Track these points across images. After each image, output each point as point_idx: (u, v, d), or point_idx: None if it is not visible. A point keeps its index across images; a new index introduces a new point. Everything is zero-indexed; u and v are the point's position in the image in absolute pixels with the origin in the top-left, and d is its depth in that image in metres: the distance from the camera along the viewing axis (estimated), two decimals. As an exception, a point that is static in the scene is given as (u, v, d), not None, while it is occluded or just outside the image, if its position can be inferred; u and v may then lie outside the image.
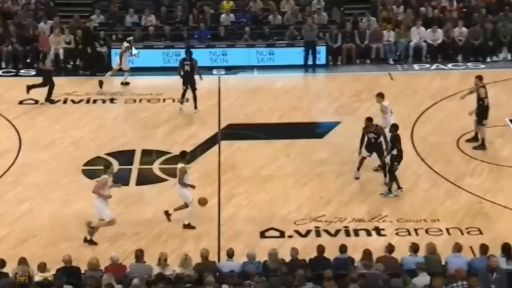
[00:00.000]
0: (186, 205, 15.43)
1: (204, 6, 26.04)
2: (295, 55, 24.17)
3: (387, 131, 16.96)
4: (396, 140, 16.24)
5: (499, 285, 12.21)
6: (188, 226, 15.46)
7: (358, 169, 17.08)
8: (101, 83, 22.42)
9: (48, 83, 21.61)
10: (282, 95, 22.18)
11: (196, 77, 20.71)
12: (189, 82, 20.69)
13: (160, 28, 25.03)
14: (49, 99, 21.62)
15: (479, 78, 18.48)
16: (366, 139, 16.81)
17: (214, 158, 18.36)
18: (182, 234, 15.25)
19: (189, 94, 20.83)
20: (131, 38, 23.07)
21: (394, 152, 16.20)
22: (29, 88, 21.59)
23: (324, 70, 24.34)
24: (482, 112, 18.17)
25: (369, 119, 16.90)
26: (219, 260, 14.05)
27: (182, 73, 20.77)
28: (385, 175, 16.76)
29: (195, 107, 20.84)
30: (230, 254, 13.40)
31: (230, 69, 24.02)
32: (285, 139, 19.26)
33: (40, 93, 21.63)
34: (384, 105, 17.62)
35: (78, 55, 24.31)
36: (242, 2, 26.49)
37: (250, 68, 24.10)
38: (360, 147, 16.90)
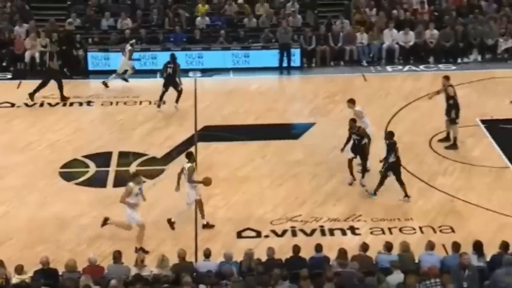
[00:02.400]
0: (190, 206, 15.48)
1: (179, 9, 26.17)
2: (270, 57, 24.40)
3: (369, 130, 17.22)
4: (392, 148, 16.20)
5: (471, 282, 12.38)
6: (170, 223, 15.52)
7: (351, 173, 17.06)
8: (105, 84, 22.57)
9: (55, 81, 21.77)
10: (257, 97, 22.37)
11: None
12: (171, 84, 21.02)
13: (136, 31, 25.11)
14: (63, 98, 21.78)
15: (446, 78, 18.79)
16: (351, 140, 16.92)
17: (191, 160, 18.51)
18: (160, 235, 15.34)
19: (167, 96, 20.94)
20: (133, 41, 23.13)
21: (392, 159, 16.17)
22: (31, 95, 21.71)
23: (298, 72, 24.58)
24: (453, 109, 18.47)
25: (353, 120, 17.01)
26: (196, 260, 14.16)
27: (164, 75, 21.06)
28: (363, 176, 16.89)
29: (177, 101, 21.19)
30: (207, 254, 13.51)
31: (206, 72, 24.18)
32: (261, 140, 19.44)
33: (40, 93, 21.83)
34: (358, 110, 17.71)
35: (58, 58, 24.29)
36: (217, 5, 26.66)
37: (226, 70, 24.27)
38: (344, 146, 17.06)
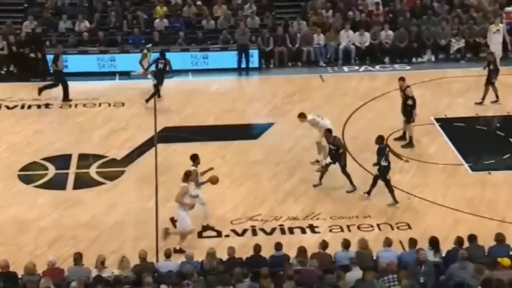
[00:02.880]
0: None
1: (138, 11, 26.15)
2: (229, 58, 24.53)
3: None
4: (383, 152, 16.29)
5: (427, 277, 12.61)
6: (207, 227, 15.49)
7: (320, 177, 17.15)
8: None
9: (60, 83, 21.88)
10: (216, 98, 22.47)
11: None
12: (161, 79, 21.65)
13: (94, 34, 25.03)
14: (67, 99, 21.87)
15: (402, 79, 19.12)
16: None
17: (151, 161, 18.52)
18: (120, 236, 15.36)
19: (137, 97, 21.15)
20: (150, 45, 23.03)
21: (384, 163, 16.27)
22: (40, 90, 21.86)
23: (257, 73, 24.75)
24: (410, 111, 18.83)
25: (328, 131, 17.11)
26: (157, 261, 14.21)
27: (155, 70, 21.72)
28: (351, 183, 17.03)
29: (147, 101, 21.51)
30: (168, 255, 13.56)
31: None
32: (221, 140, 19.54)
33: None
34: (310, 119, 17.79)
35: (12, 61, 24.15)
36: (176, 7, 26.70)
37: (185, 72, 24.31)
38: (330, 155, 17.14)
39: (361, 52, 25.28)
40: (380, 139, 16.55)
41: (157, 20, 25.76)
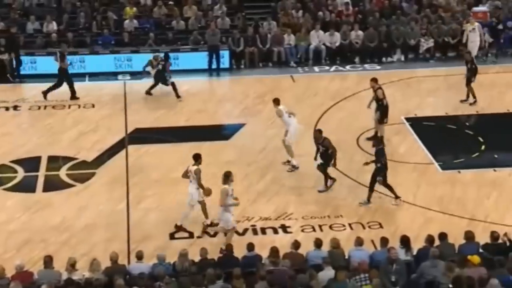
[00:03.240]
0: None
1: (107, 12, 26.00)
2: (199, 59, 24.49)
3: (292, 129, 17.56)
4: (381, 154, 16.29)
5: (398, 276, 12.68)
6: (179, 228, 15.50)
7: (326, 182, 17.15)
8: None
9: (66, 82, 21.92)
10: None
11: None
12: (160, 79, 21.90)
13: (63, 35, 24.83)
14: (74, 97, 21.98)
15: (374, 80, 19.23)
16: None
17: (122, 162, 18.43)
18: (91, 239, 15.27)
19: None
20: (156, 54, 22.80)
21: (379, 165, 16.27)
22: (45, 93, 21.99)
23: (228, 73, 24.74)
24: (382, 111, 18.93)
25: (317, 131, 17.19)
26: (129, 263, 14.14)
27: (154, 70, 22.07)
28: (330, 184, 17.07)
29: (178, 96, 22.03)
30: (140, 257, 13.47)
31: (135, 75, 24.09)
32: (192, 141, 19.51)
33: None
34: (278, 109, 17.93)
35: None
36: (145, 8, 26.59)
37: (156, 72, 24.26)
38: (316, 155, 17.20)
39: (332, 52, 25.38)
40: (378, 141, 16.64)
41: (126, 21, 25.63)
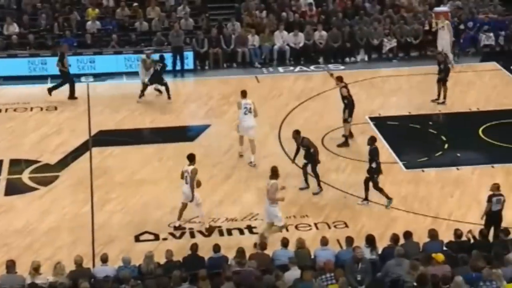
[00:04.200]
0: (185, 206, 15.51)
1: (69, 13, 25.74)
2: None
3: (247, 124, 17.73)
4: (375, 154, 16.34)
5: (364, 274, 12.76)
6: (210, 228, 15.59)
7: (305, 180, 17.17)
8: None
9: (66, 82, 21.86)
10: (152, 100, 22.31)
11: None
12: (156, 80, 21.68)
13: (24, 37, 24.52)
14: (73, 97, 21.94)
15: (339, 79, 19.33)
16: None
17: (85, 165, 18.27)
18: (55, 243, 15.12)
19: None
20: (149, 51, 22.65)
21: (373, 165, 16.28)
22: (50, 90, 21.79)
23: (192, 74, 24.67)
24: (349, 110, 18.98)
25: (295, 132, 17.18)
26: (93, 266, 14.01)
27: (152, 71, 21.79)
28: (305, 181, 17.11)
29: (169, 97, 21.90)
30: (104, 259, 13.35)
31: (99, 76, 23.92)
32: (157, 143, 19.44)
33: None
34: (238, 102, 18.23)
35: None
36: (107, 9, 26.39)
37: (119, 74, 24.07)
38: (294, 156, 17.25)
39: (296, 53, 25.44)
40: (371, 140, 16.63)
41: (89, 23, 25.40)
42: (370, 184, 16.43)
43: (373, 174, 16.36)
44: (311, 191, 17.04)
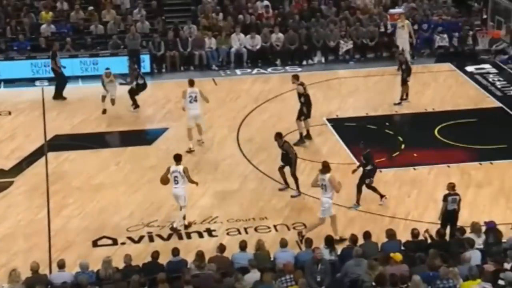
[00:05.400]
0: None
1: (23, 17, 25.38)
2: (120, 63, 24.11)
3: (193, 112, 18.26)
4: (370, 157, 16.43)
5: (323, 275, 12.82)
6: (187, 226, 15.69)
7: (284, 181, 17.20)
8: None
9: (60, 80, 21.82)
10: (108, 104, 22.08)
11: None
12: (144, 87, 21.54)
13: (-24, 41, 24.16)
14: (58, 96, 21.99)
15: (295, 77, 19.38)
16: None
17: (41, 170, 18.04)
18: (11, 249, 14.89)
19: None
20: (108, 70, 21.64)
21: (368, 167, 16.35)
22: (55, 97, 22.10)
23: (149, 78, 24.38)
24: (306, 108, 19.02)
25: (277, 135, 17.19)
26: (50, 272, 13.85)
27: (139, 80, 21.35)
28: (284, 181, 17.13)
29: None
30: (61, 265, 13.18)
31: (54, 81, 23.61)
32: (114, 147, 19.29)
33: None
34: (185, 91, 18.64)
35: None
36: (62, 12, 26.09)
37: (75, 78, 23.79)
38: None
39: (253, 55, 25.46)
40: (363, 145, 16.72)
41: (43, 26, 25.08)
42: (368, 184, 16.57)
43: (367, 177, 16.44)
44: (262, 193, 17.00)
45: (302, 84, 19.19)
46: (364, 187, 16.59)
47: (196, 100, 18.56)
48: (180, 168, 15.54)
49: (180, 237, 15.50)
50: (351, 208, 16.46)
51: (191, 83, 18.92)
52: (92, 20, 25.66)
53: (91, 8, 26.12)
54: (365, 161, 16.54)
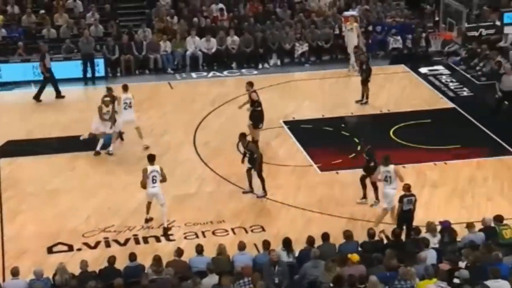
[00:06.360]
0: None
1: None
2: (73, 68, 23.91)
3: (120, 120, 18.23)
4: (373, 153, 16.57)
5: (281, 277, 12.84)
6: (166, 229, 15.72)
7: (249, 184, 17.14)
8: None
9: (44, 81, 21.84)
10: (63, 109, 21.86)
11: None
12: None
13: None
14: (37, 97, 22.11)
15: (250, 84, 19.33)
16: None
17: (-6, 177, 17.79)
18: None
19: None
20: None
21: (372, 164, 16.42)
22: (57, 97, 22.27)
23: (104, 82, 24.22)
24: (256, 116, 19.03)
25: (241, 135, 17.16)
26: (4, 280, 13.63)
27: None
28: (249, 184, 17.10)
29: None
30: (15, 273, 12.96)
31: (5, 85, 23.29)
32: (70, 152, 19.04)
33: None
34: (119, 97, 18.85)
35: None
36: (13, 16, 25.69)
37: (27, 83, 23.47)
38: (243, 158, 17.27)
39: (209, 58, 25.40)
40: (364, 143, 16.90)
41: (-6, 30, 24.71)
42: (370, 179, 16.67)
43: (371, 171, 16.55)
44: (219, 196, 17.00)
45: (255, 91, 19.11)
46: (362, 183, 16.77)
47: (130, 106, 18.77)
48: (157, 167, 15.80)
49: (137, 242, 15.37)
50: (372, 205, 16.60)
51: (125, 89, 19.05)
52: (44, 24, 25.33)
53: (42, 11, 25.78)
54: (368, 157, 16.70)
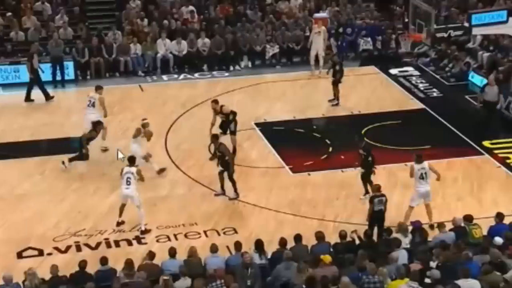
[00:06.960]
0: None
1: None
2: (43, 71, 23.66)
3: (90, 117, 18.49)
4: (369, 148, 16.89)
5: (254, 279, 12.85)
6: (146, 231, 15.70)
7: (221, 186, 17.07)
8: None
9: (31, 81, 22.04)
10: (31, 112, 21.63)
11: None
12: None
13: None
14: (28, 99, 22.09)
15: (215, 102, 19.08)
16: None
17: (-39, 182, 17.55)
18: None
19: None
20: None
21: (369, 158, 16.69)
22: (47, 98, 22.18)
23: (73, 85, 24.08)
24: (234, 123, 18.82)
25: (213, 136, 17.18)
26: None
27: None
28: (222, 187, 17.07)
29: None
30: (-14, 279, 12.92)
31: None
32: (39, 156, 18.85)
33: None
34: (90, 95, 18.97)
35: None
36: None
37: (-5, 87, 23.29)
38: (212, 157, 17.47)
39: (179, 61, 25.31)
40: (360, 140, 17.12)
41: (-40, 34, 24.40)
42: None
43: (371, 167, 16.70)
44: (191, 199, 16.98)
45: (223, 106, 18.88)
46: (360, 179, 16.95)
47: (93, 106, 18.73)
48: (133, 169, 15.76)
49: (109, 246, 15.27)
50: (362, 198, 16.74)
51: (96, 89, 19.35)
52: (12, 27, 25.05)
53: (9, 14, 25.50)
54: (365, 152, 16.82)
